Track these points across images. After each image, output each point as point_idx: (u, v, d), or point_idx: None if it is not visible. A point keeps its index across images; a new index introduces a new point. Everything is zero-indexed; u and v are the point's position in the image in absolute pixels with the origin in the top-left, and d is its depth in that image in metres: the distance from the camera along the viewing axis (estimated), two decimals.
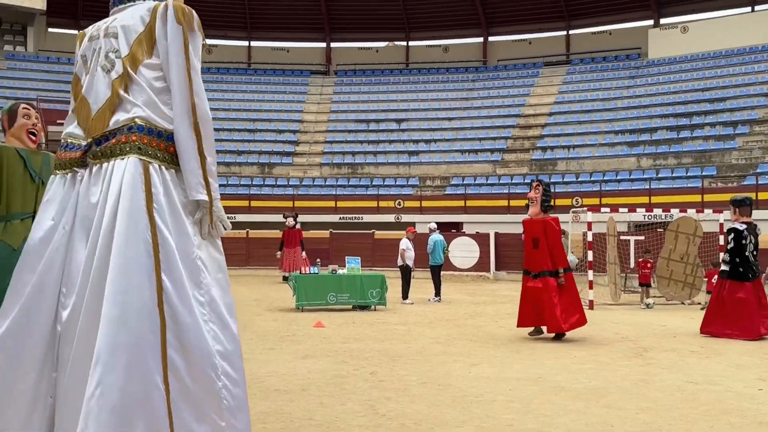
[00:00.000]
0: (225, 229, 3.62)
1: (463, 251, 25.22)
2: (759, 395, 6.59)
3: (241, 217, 27.11)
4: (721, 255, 11.59)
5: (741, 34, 34.57)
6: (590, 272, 15.65)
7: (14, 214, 5.74)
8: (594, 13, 40.41)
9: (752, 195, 17.33)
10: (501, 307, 15.01)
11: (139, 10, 3.62)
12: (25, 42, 40.62)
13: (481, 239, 25.43)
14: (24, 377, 3.34)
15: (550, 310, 10.05)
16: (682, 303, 16.31)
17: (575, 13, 40.69)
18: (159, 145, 3.45)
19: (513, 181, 29.93)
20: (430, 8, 41.96)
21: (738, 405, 6.17)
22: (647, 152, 30.20)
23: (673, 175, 28.21)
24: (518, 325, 10.52)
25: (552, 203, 10.85)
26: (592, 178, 29.41)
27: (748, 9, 36.47)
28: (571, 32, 41.33)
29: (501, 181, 30.87)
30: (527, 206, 10.73)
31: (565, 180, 29.99)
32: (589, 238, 16.01)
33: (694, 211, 17.21)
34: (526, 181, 27.34)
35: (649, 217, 22.69)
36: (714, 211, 16.98)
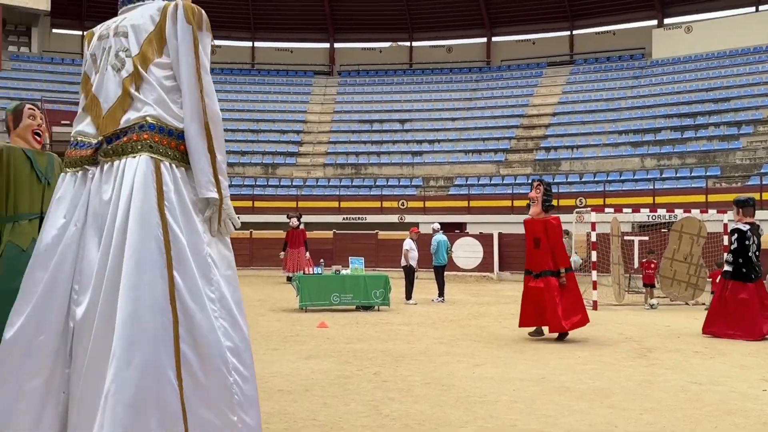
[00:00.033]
0: (234, 227, 3.67)
1: (466, 252, 25.21)
2: (763, 396, 6.58)
3: (244, 218, 26.49)
4: (725, 255, 11.57)
5: (745, 34, 34.50)
6: (594, 273, 15.63)
7: (22, 215, 5.76)
8: (598, 13, 40.36)
9: (756, 195, 17.33)
10: (505, 307, 15.00)
11: (149, 10, 3.66)
12: (29, 43, 40.71)
13: (484, 240, 25.40)
14: (37, 373, 3.38)
15: (551, 310, 10.03)
16: (686, 303, 16.29)
17: (579, 13, 40.65)
18: (170, 144, 3.49)
19: (516, 182, 29.90)
20: (434, 8, 41.95)
21: (742, 405, 6.15)
22: (651, 152, 30.15)
23: (677, 175, 28.16)
24: (520, 325, 10.51)
25: (553, 203, 10.83)
26: (595, 179, 29.39)
27: (753, 9, 36.39)
28: (574, 32, 41.29)
29: (504, 182, 30.85)
30: (528, 206, 10.72)
31: (568, 180, 29.96)
32: (593, 238, 15.99)
33: (698, 211, 17.19)
34: (529, 181, 27.27)
35: (653, 217, 22.67)
36: (718, 212, 16.96)
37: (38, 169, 5.91)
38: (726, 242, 14.23)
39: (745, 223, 10.92)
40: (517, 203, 27.12)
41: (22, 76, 36.85)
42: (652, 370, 7.88)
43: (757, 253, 10.84)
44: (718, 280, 12.01)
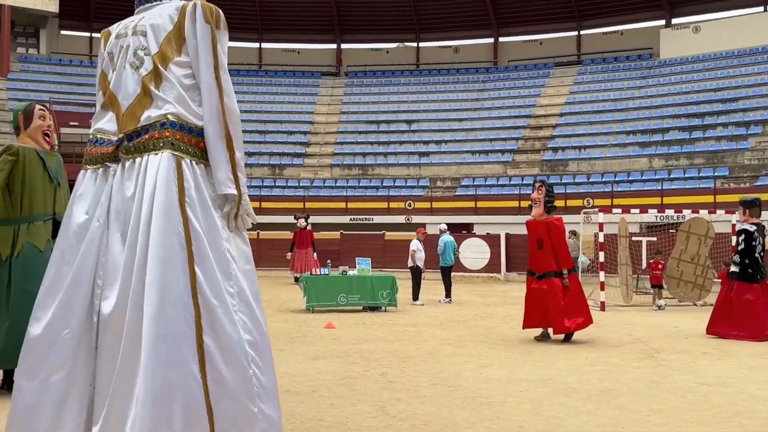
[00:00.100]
0: (252, 223, 3.76)
1: (473, 252, 25.19)
2: None
3: None
4: (733, 256, 11.54)
5: (753, 34, 34.36)
6: (602, 273, 15.59)
7: (37, 215, 5.80)
8: (605, 13, 40.27)
9: (764, 196, 17.23)
10: (512, 308, 14.98)
11: (167, 9, 3.72)
12: (37, 44, 40.91)
13: (491, 240, 25.38)
14: (60, 366, 3.46)
15: (555, 312, 10.01)
16: (694, 304, 16.23)
17: (586, 13, 40.56)
18: (190, 141, 3.57)
19: (524, 182, 29.86)
20: (441, 9, 41.94)
21: (750, 407, 6.13)
22: (659, 153, 30.06)
23: (685, 175, 28.06)
24: (524, 327, 10.48)
25: (556, 204, 10.80)
26: (603, 179, 29.32)
27: (761, 9, 36.24)
28: (582, 32, 41.20)
29: (512, 182, 30.82)
30: (531, 207, 10.71)
31: (576, 181, 29.91)
32: (601, 239, 15.94)
33: (706, 212, 17.12)
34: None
35: (661, 218, 22.60)
36: (726, 212, 16.88)
37: (50, 170, 5.95)
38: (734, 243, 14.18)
39: (752, 223, 10.89)
40: (525, 204, 27.00)
41: (31, 78, 37.03)
42: (659, 371, 7.86)
43: (761, 253, 10.80)
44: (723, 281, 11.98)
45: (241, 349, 3.43)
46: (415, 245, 16.36)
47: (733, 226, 15.86)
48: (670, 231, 19.45)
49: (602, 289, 15.34)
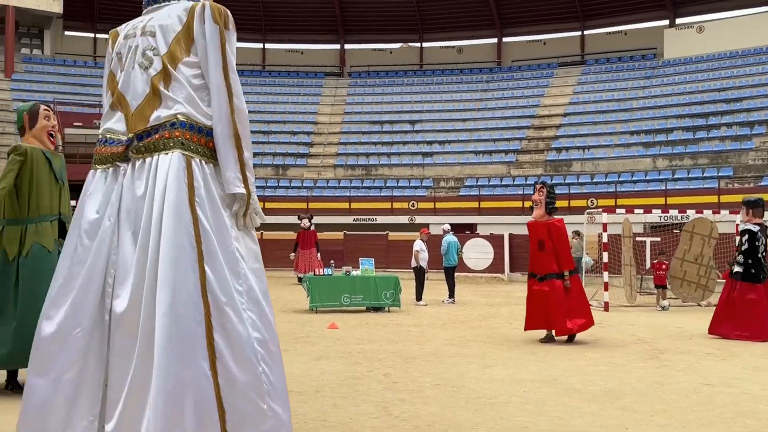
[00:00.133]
0: (260, 221, 3.79)
1: (477, 252, 25.18)
2: None
3: None
4: (737, 256, 11.51)
5: (757, 34, 34.31)
6: (605, 274, 15.57)
7: (45, 216, 5.81)
8: (609, 13, 40.25)
9: None
10: (515, 308, 14.96)
11: (176, 10, 3.74)
12: (41, 45, 41.00)
13: (495, 240, 25.36)
14: (72, 364, 3.49)
15: (557, 313, 9.99)
16: (698, 305, 16.21)
17: (590, 13, 40.54)
18: (200, 141, 3.60)
19: (527, 182, 29.85)
20: (444, 9, 41.95)
21: (754, 407, 6.12)
22: (663, 153, 30.02)
23: (689, 175, 28.03)
24: (526, 328, 10.46)
25: (557, 205, 10.79)
26: (607, 179, 29.29)
27: (765, 8, 36.15)
28: (585, 32, 41.18)
29: (515, 183, 30.82)
30: (532, 208, 10.69)
31: (580, 181, 29.88)
32: (605, 239, 15.93)
33: (710, 212, 17.10)
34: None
35: (665, 218, 22.56)
36: (730, 212, 16.86)
37: (55, 170, 5.97)
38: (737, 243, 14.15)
39: (755, 223, 10.87)
40: (528, 204, 26.96)
41: (35, 78, 37.13)
42: (663, 371, 7.85)
43: (764, 253, 10.78)
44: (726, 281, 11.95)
45: (250, 347, 3.45)
46: (419, 245, 16.35)
47: (737, 226, 15.83)
48: (674, 231, 19.41)
49: (606, 289, 15.32)
